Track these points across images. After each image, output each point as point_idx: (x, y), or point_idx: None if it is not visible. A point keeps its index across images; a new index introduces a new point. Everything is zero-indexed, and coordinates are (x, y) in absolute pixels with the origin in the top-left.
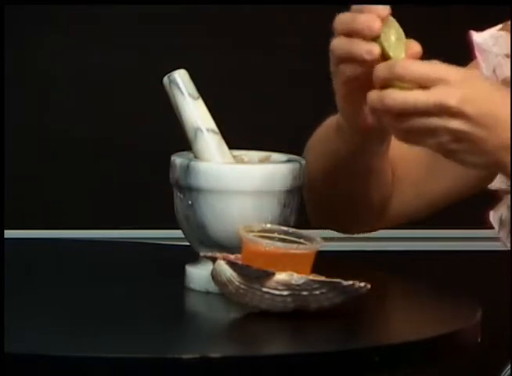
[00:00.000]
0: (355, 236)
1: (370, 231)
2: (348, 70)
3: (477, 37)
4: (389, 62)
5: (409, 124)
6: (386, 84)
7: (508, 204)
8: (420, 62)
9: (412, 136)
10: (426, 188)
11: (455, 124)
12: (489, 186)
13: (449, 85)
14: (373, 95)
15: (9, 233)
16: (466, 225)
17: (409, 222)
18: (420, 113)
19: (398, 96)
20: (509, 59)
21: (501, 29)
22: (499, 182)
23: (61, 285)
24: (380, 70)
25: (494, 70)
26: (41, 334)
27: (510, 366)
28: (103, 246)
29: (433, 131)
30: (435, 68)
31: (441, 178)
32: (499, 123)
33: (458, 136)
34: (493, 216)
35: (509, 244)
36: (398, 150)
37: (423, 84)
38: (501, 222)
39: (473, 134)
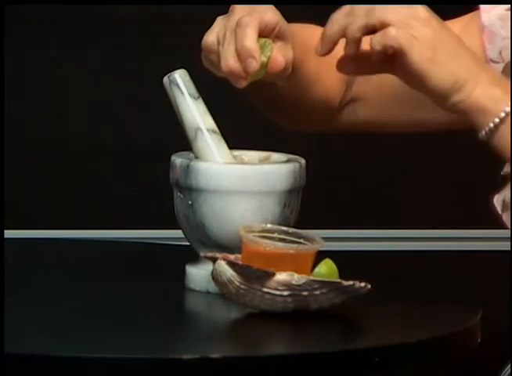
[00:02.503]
0: (355, 236)
1: (326, 128)
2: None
3: (485, 18)
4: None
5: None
6: None
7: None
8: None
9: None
10: (398, 111)
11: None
12: (502, 172)
13: None
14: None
15: (8, 233)
16: (466, 225)
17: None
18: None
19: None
20: None
21: (509, 9)
22: (506, 167)
23: (61, 285)
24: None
25: (500, 53)
26: (41, 334)
27: (510, 366)
28: (103, 246)
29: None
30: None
31: (415, 109)
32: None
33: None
34: (497, 199)
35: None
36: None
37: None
38: (504, 205)
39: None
